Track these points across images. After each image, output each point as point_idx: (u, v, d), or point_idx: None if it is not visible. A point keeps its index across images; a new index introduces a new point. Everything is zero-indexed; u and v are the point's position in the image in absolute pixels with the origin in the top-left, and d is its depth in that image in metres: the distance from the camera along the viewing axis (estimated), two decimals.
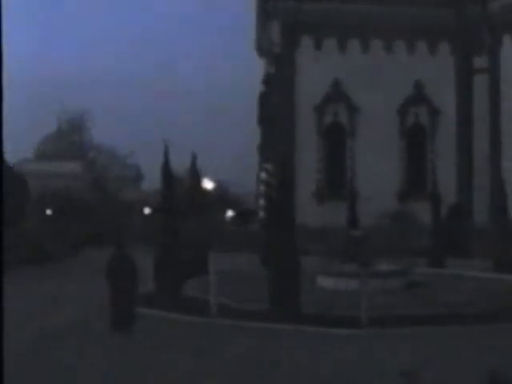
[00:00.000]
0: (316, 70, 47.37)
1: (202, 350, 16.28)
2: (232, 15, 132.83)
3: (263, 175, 50.66)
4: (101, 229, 61.34)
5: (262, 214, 47.81)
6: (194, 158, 34.24)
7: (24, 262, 38.66)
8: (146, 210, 77.37)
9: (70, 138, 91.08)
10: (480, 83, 47.35)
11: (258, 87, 55.09)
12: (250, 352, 16.15)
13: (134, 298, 18.82)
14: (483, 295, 23.84)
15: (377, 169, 46.02)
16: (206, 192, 52.50)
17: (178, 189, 30.48)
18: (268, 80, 51.97)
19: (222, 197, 74.31)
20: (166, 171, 26.23)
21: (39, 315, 21.64)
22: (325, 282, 25.78)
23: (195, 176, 35.51)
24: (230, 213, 79.21)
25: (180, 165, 39.73)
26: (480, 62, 47.53)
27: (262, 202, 49.82)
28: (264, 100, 52.92)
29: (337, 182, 47.37)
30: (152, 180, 69.46)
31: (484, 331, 18.08)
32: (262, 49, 54.77)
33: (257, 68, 59.52)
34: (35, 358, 15.51)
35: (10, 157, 51.15)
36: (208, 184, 58.57)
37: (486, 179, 45.62)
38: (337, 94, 47.85)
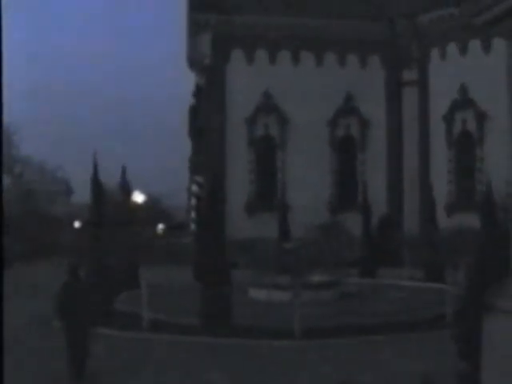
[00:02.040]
0: (247, 82, 47.37)
1: (132, 365, 16.03)
2: (163, 27, 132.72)
3: (194, 188, 50.53)
4: (30, 243, 60.37)
5: (193, 226, 47.59)
6: (124, 170, 33.94)
7: None
8: (76, 224, 76.55)
9: None
10: (409, 95, 47.98)
11: (188, 100, 54.97)
12: (183, 366, 15.96)
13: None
14: (414, 304, 24.05)
15: (308, 180, 46.15)
16: (136, 205, 52.16)
17: (108, 202, 30.16)
18: (198, 92, 51.85)
19: (152, 210, 73.93)
20: (96, 184, 25.90)
21: None
22: (257, 294, 25.71)
23: (125, 189, 35.17)
24: (160, 226, 78.83)
25: (110, 178, 39.37)
26: (409, 74, 48.12)
27: (193, 214, 49.64)
28: (194, 112, 52.78)
29: (268, 193, 47.36)
30: (82, 194, 68.74)
31: (415, 340, 18.20)
32: (193, 61, 54.61)
33: (187, 80, 59.39)
34: None
35: None
36: (138, 197, 58.34)
37: (416, 189, 46.16)
38: (267, 106, 47.90)
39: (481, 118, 44.51)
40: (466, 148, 45.38)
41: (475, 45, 44.23)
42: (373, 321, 20.41)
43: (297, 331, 18.28)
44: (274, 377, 14.81)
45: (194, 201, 50.02)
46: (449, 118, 45.70)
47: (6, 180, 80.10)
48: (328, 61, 48.61)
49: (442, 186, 43.49)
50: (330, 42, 48.12)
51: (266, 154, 48.01)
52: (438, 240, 33.14)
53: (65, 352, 15.00)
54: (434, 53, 46.93)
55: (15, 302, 28.19)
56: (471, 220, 38.05)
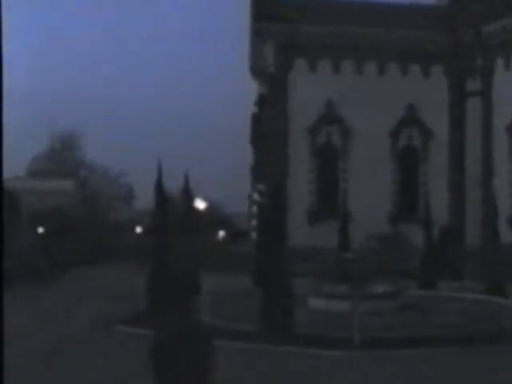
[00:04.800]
0: (309, 91, 47.51)
1: None
2: (226, 36, 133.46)
3: (255, 196, 50.72)
4: (92, 247, 61.19)
5: (254, 234, 47.80)
6: (187, 177, 34.26)
7: (14, 280, 38.61)
8: (138, 230, 77.38)
9: (62, 156, 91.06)
10: (472, 106, 47.62)
11: (251, 108, 55.24)
12: (242, 373, 16.10)
13: None
14: (474, 317, 23.87)
15: (369, 190, 46.12)
16: (198, 212, 52.56)
17: (170, 208, 30.49)
18: (261, 101, 52.09)
19: (214, 217, 74.32)
20: (159, 191, 26.27)
21: (31, 332, 21.57)
22: (316, 303, 25.75)
23: (188, 196, 35.49)
24: (222, 233, 79.26)
25: (173, 185, 39.78)
26: (473, 84, 47.79)
27: (254, 222, 49.86)
28: (257, 121, 53.05)
29: (329, 203, 47.39)
30: (145, 199, 69.49)
31: (474, 353, 18.07)
32: (256, 70, 54.94)
33: (250, 89, 59.72)
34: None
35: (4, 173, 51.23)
36: (200, 204, 58.68)
37: (478, 201, 45.76)
38: (330, 116, 47.98)
39: None
40: None
41: None
42: (432, 333, 20.32)
43: (356, 341, 18.31)
44: None
45: (255, 208, 50.22)
46: None
47: (71, 184, 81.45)
48: (391, 70, 48.51)
49: (505, 198, 43.05)
50: (393, 52, 48.01)
51: (328, 163, 48.07)
52: (499, 253, 32.79)
53: None
54: (499, 63, 46.53)
55: (75, 305, 28.78)
56: None
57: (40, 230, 60.90)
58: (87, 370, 16.31)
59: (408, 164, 48.38)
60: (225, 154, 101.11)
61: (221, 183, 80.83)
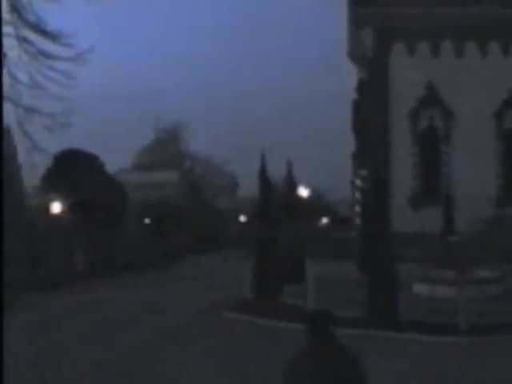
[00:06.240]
0: (409, 74, 47.07)
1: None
2: (324, 22, 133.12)
3: (358, 182, 50.66)
4: (198, 237, 62.27)
5: (357, 220, 47.79)
6: (290, 165, 34.57)
7: (124, 268, 39.76)
8: (242, 218, 78.18)
9: (166, 148, 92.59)
10: None
11: (351, 94, 55.14)
12: None
13: None
14: None
15: (473, 174, 45.43)
16: (301, 199, 52.83)
17: (274, 196, 30.83)
18: (361, 86, 51.92)
19: (317, 204, 74.53)
20: (264, 179, 26.64)
21: (145, 317, 22.23)
22: (422, 288, 25.68)
23: (291, 183, 35.82)
24: (325, 220, 79.37)
25: (275, 173, 40.15)
26: None
27: (357, 208, 49.82)
28: (357, 106, 52.90)
29: (432, 187, 46.91)
30: (247, 188, 70.24)
31: None
32: (355, 55, 54.74)
33: (350, 75, 59.55)
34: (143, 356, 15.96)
35: (109, 167, 52.59)
36: (303, 191, 58.93)
37: None
38: (431, 99, 47.41)
39: None
40: None
41: None
42: None
43: (462, 327, 18.25)
44: (438, 372, 14.89)
45: (357, 194, 50.18)
46: None
47: (176, 175, 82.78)
48: (492, 51, 47.63)
49: None
50: (494, 31, 47.12)
51: (431, 146, 47.58)
52: None
53: None
54: None
55: (183, 293, 29.45)
56: None
57: (147, 221, 62.19)
58: (194, 355, 16.73)
59: None
60: (326, 141, 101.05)
61: (323, 170, 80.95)
